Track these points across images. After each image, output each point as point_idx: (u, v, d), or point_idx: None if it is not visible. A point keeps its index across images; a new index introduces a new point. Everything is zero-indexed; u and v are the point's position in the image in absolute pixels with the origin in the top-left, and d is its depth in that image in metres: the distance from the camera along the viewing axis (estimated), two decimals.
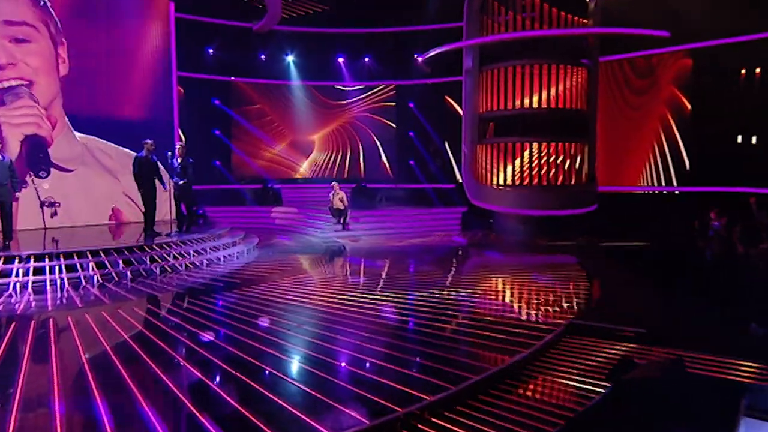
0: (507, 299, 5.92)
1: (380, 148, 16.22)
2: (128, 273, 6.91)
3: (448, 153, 16.15)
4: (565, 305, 5.50)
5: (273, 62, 16.00)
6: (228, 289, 6.14)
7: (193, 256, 7.91)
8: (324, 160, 16.13)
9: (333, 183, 11.98)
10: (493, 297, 5.98)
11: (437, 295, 5.83)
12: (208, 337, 4.42)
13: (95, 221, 10.09)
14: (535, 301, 5.70)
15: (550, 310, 5.36)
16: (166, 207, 9.88)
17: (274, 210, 13.81)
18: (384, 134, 16.30)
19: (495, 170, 12.27)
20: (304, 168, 15.88)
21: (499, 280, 6.80)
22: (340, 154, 16.26)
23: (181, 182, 8.48)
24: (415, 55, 16.06)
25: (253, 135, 15.46)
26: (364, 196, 15.50)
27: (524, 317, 5.10)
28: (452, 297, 5.76)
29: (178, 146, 8.67)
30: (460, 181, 15.13)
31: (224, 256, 8.34)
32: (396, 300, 5.62)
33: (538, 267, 7.64)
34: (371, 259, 8.62)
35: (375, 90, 16.26)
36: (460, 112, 15.52)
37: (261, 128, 15.46)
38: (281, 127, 15.87)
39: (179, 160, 8.64)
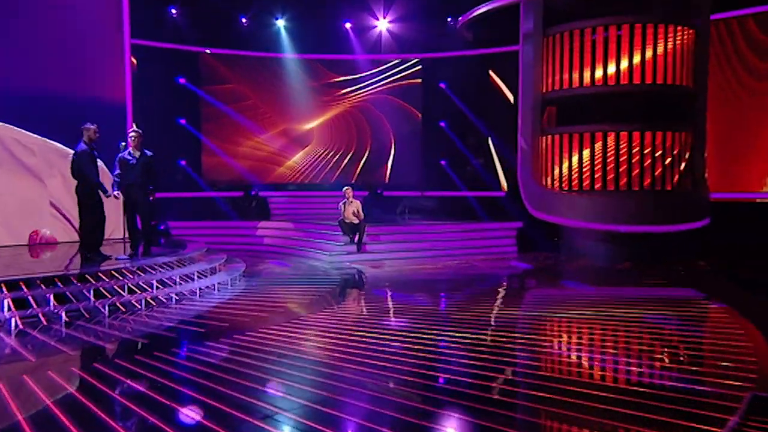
0: (624, 353, 5.40)
1: (400, 144, 16.35)
2: (62, 314, 6.35)
3: (492, 151, 15.95)
4: (723, 364, 4.93)
5: (258, 29, 15.76)
6: (206, 338, 5.69)
7: (158, 288, 7.52)
8: (325, 158, 16.23)
9: (345, 189, 11.83)
10: (598, 349, 5.56)
11: (515, 346, 5.51)
12: (176, 409, 3.94)
13: (11, 241, 9.65)
14: (666, 357, 5.26)
15: (696, 370, 4.85)
16: (113, 221, 9.60)
17: (261, 225, 13.70)
18: (405, 125, 16.42)
19: (565, 171, 12.15)
20: (297, 166, 15.92)
21: (597, 323, 6.43)
22: (347, 151, 16.38)
23: (137, 184, 8.16)
24: (449, 19, 15.76)
25: (230, 126, 15.53)
26: (381, 206, 15.38)
27: (657, 381, 4.59)
28: (537, 349, 5.42)
29: (131, 134, 8.21)
30: (506, 187, 15.00)
31: (201, 289, 7.99)
32: (462, 354, 5.21)
33: (646, 304, 7.28)
34: (405, 292, 8.44)
35: (393, 65, 16.32)
36: (510, 96, 15.20)
37: (242, 117, 15.55)
38: (268, 114, 15.97)
39: (136, 154, 8.21)
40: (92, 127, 8.10)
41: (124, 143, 8.61)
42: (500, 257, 12.25)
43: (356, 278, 9.82)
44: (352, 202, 11.81)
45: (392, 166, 16.36)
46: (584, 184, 12.03)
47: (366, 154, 16.43)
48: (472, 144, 16.02)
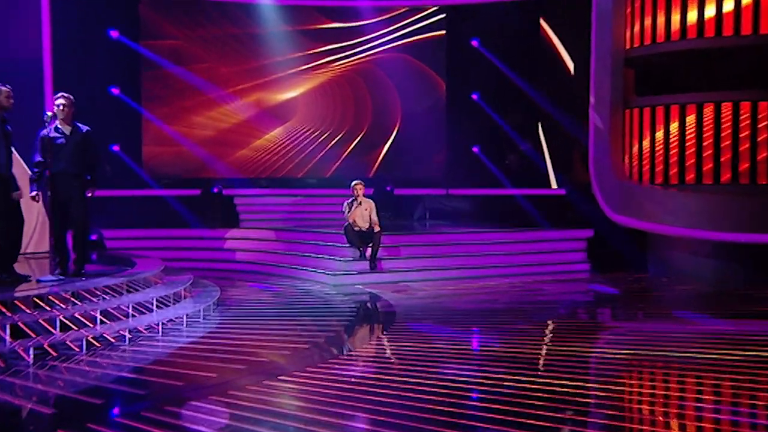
0: None
1: (417, 123, 16.42)
2: None
3: (540, 133, 16.03)
4: None
5: None
6: (175, 402, 5.59)
7: (101, 323, 7.49)
8: (313, 141, 16.40)
9: (355, 183, 11.95)
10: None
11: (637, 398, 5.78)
12: None
13: None
14: None
15: None
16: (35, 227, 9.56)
17: (231, 235, 13.81)
18: (424, 97, 16.53)
19: (657, 157, 12.23)
20: (271, 146, 16.19)
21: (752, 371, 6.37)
22: (341, 131, 16.53)
23: (70, 174, 7.99)
24: None
25: (184, 96, 15.59)
26: (392, 209, 15.23)
27: None
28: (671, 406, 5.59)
29: (58, 102, 7.97)
30: (555, 182, 14.95)
31: (162, 323, 7.95)
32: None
33: None
34: (454, 326, 8.53)
35: (405, 14, 16.33)
36: (568, 60, 15.01)
37: (197, 80, 15.59)
38: (233, 80, 15.91)
39: (66, 130, 8.03)
40: (3, 89, 7.64)
41: (50, 114, 8.08)
42: (569, 277, 12.25)
43: (373, 308, 10.00)
44: (362, 201, 11.81)
45: (404, 153, 16.49)
46: (687, 177, 12.08)
47: (371, 138, 16.60)
48: (517, 124, 15.98)
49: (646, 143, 12.60)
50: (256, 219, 14.96)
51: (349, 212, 11.81)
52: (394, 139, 16.72)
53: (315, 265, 12.04)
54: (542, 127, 15.80)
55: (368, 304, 10.25)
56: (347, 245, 11.89)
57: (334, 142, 16.47)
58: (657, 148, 12.46)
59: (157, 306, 8.33)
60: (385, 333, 8.37)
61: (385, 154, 16.69)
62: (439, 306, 9.88)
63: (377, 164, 16.74)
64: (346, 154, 16.56)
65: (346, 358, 7.24)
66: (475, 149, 16.43)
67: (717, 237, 11.43)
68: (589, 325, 9.32)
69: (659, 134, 12.38)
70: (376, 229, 11.69)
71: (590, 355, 7.35)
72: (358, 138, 16.59)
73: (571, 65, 15.25)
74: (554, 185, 15.65)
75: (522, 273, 12.28)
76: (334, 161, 16.46)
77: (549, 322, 9.08)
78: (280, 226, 14.04)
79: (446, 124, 16.70)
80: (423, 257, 12.29)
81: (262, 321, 8.85)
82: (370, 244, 11.69)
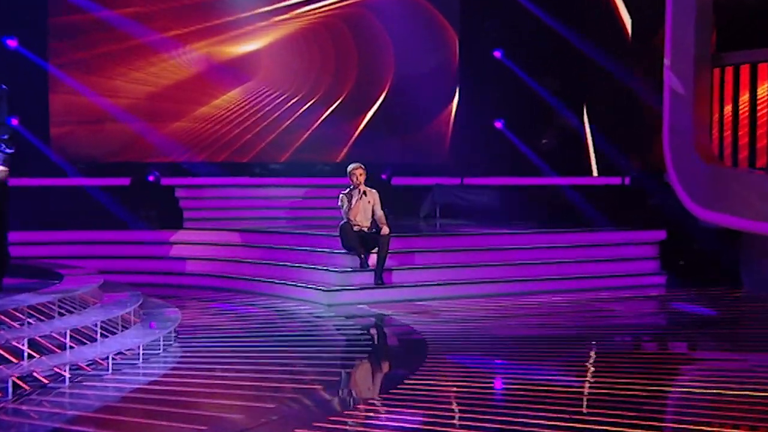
0: None
1: (421, 89, 16.56)
2: None
3: (584, 110, 16.34)
4: None
5: None
6: None
7: (29, 357, 7.44)
8: (281, 109, 16.48)
9: (353, 168, 12.04)
10: None
11: None
12: None
13: None
14: None
15: None
16: None
17: (177, 239, 13.98)
18: (430, 54, 16.76)
19: (741, 128, 12.47)
20: (225, 113, 16.29)
21: None
22: (318, 94, 16.65)
23: None
24: None
25: (107, 51, 15.57)
26: (390, 202, 14.80)
27: None
28: None
29: None
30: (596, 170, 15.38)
31: (112, 358, 7.89)
32: None
33: None
34: (507, 358, 8.63)
35: None
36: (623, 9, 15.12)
37: (127, 31, 15.57)
38: (174, 26, 15.98)
39: None
40: None
41: None
42: (640, 293, 12.47)
43: (390, 335, 10.14)
44: (365, 192, 11.88)
45: (402, 129, 16.86)
46: None
47: (361, 106, 16.74)
48: (556, 89, 16.23)
49: (727, 110, 12.75)
50: (208, 218, 15.11)
51: (348, 206, 11.83)
52: (387, 110, 16.91)
53: (300, 278, 12.07)
54: (591, 94, 16.00)
55: (382, 331, 10.33)
56: (343, 251, 11.88)
57: (305, 108, 16.59)
58: (741, 115, 12.55)
59: (101, 333, 8.24)
60: (418, 372, 8.01)
61: (375, 129, 16.86)
62: (478, 333, 9.95)
63: (354, 141, 16.85)
64: (317, 126, 16.63)
65: (367, 411, 6.89)
66: (498, 124, 16.57)
67: None
68: (681, 358, 9.33)
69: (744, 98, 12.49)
70: (384, 229, 11.65)
71: (695, 395, 7.28)
72: (336, 104, 16.79)
73: (627, 19, 15.46)
74: (594, 172, 16.03)
75: (577, 288, 12.39)
76: (311, 139, 16.65)
77: (627, 352, 9.20)
78: (248, 227, 14.14)
79: (460, 90, 16.85)
80: (444, 267, 12.33)
81: (236, 356, 8.72)
82: (374, 250, 11.65)
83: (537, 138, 16.34)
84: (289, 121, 16.42)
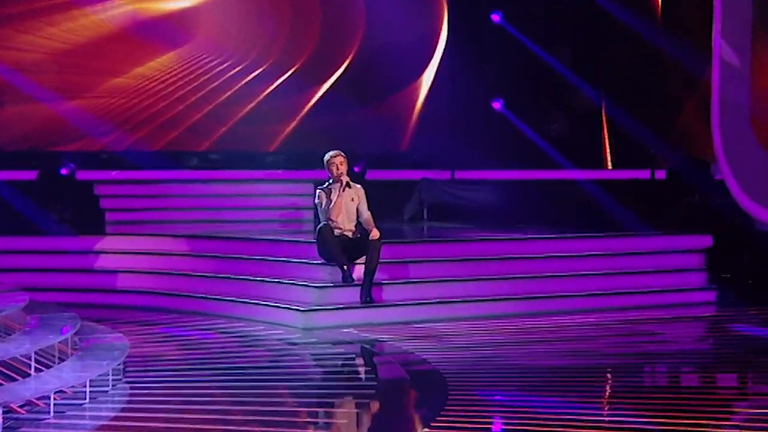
0: None
1: (403, 60, 16.99)
2: None
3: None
4: None
5: None
6: None
7: None
8: (225, 80, 16.70)
9: (333, 155, 12.09)
10: None
11: None
12: None
13: None
14: None
15: None
16: None
17: (103, 247, 14.10)
18: (412, 17, 17.04)
19: None
20: (154, 79, 16.51)
21: None
22: (269, 61, 16.97)
23: None
24: None
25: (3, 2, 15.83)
26: (370, 197, 15.34)
27: None
28: None
29: None
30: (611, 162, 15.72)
31: (51, 397, 7.70)
32: None
33: None
34: (546, 396, 8.60)
35: None
36: None
37: None
38: None
39: None
40: None
41: None
42: (686, 311, 12.58)
43: (395, 367, 9.88)
44: (347, 187, 11.92)
45: (375, 110, 17.04)
46: None
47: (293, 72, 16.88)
48: (570, 61, 16.30)
49: None
50: (136, 220, 15.36)
51: (329, 205, 11.81)
52: (356, 86, 17.04)
53: (268, 296, 12.06)
54: (613, 65, 16.16)
55: (382, 360, 10.27)
56: (322, 261, 11.90)
57: (253, 77, 16.74)
58: None
59: (35, 368, 8.17)
60: (444, 414, 7.91)
61: (338, 107, 16.99)
62: (500, 362, 9.93)
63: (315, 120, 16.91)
64: (267, 99, 16.77)
65: None
66: (496, 104, 16.63)
67: None
68: (737, 393, 9.29)
69: None
70: (374, 233, 11.67)
71: None
72: (290, 73, 16.96)
73: None
74: (610, 164, 16.22)
75: (610, 306, 12.50)
76: (260, 117, 16.72)
77: (684, 389, 9.17)
78: (197, 233, 14.23)
79: (449, 63, 16.90)
80: (446, 280, 12.41)
81: (194, 395, 8.63)
82: (361, 259, 11.66)
83: (546, 121, 16.52)
84: (237, 97, 16.54)
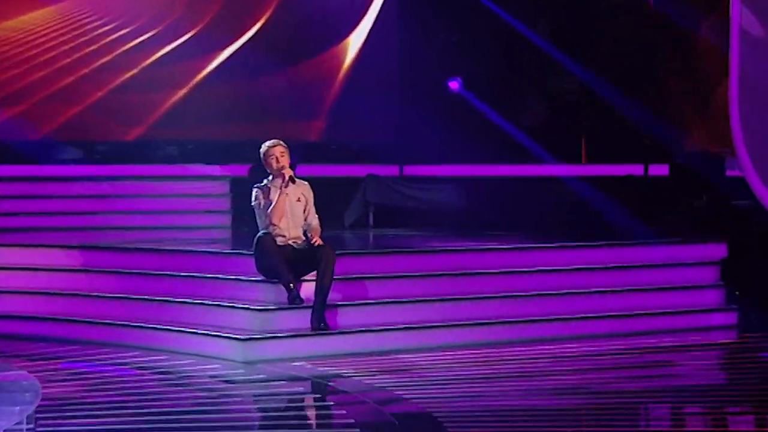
0: None
1: (330, 26, 17.51)
2: None
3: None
4: None
5: None
6: None
7: None
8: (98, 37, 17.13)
9: (272, 146, 12.33)
10: None
11: None
12: None
13: None
14: None
15: None
16: None
17: None
18: None
19: None
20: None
21: None
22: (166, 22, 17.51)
23: None
24: None
25: None
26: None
27: None
28: None
29: None
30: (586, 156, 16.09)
31: None
32: None
33: None
34: None
35: None
36: None
37: None
38: None
39: None
40: None
41: None
42: (702, 339, 12.75)
43: (365, 410, 9.83)
44: (292, 180, 12.08)
45: (299, 86, 17.43)
46: None
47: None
48: (549, 33, 16.58)
49: None
50: (11, 228, 15.55)
51: (268, 206, 11.89)
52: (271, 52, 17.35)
53: (196, 321, 12.06)
54: (604, 33, 16.50)
55: (354, 401, 10.02)
56: (262, 278, 11.99)
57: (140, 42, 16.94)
58: None
59: None
60: None
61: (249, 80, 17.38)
62: (495, 402, 9.93)
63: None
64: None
65: None
66: (453, 84, 16.96)
67: None
68: None
69: None
70: (317, 239, 11.95)
71: None
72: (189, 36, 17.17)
73: None
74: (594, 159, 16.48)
75: (611, 332, 12.76)
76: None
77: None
78: (96, 243, 14.32)
79: (398, 35, 17.21)
80: (414, 301, 12.48)
81: None
82: (311, 275, 11.75)
83: (518, 104, 16.74)
84: (120, 63, 16.78)
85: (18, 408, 8.70)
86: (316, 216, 12.17)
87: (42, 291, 13.35)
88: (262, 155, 12.11)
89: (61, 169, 16.18)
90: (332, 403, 10.04)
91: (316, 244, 11.77)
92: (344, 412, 9.67)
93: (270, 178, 11.98)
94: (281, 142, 12.15)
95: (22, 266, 13.73)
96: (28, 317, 13.03)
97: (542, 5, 16.72)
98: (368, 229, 15.90)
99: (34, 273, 13.67)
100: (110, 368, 11.21)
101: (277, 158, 11.88)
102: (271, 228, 11.73)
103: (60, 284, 13.39)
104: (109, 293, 12.96)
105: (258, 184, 12.06)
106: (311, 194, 12.21)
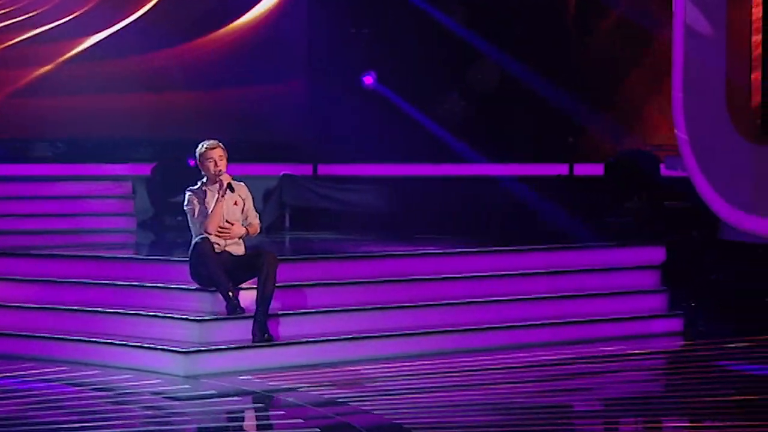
0: None
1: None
2: None
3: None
4: None
5: None
6: None
7: None
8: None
9: (208, 146, 12.25)
10: None
11: None
12: None
13: None
14: None
15: None
16: None
17: None
18: None
19: None
20: None
21: None
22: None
23: None
24: None
25: None
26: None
27: None
28: None
29: None
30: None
31: None
32: None
33: None
34: None
35: None
36: None
37: None
38: None
39: None
40: None
41: None
42: (645, 344, 12.98)
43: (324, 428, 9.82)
44: (230, 187, 12.04)
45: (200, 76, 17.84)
46: None
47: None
48: (464, 21, 16.64)
49: None
50: None
51: (204, 213, 11.88)
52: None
53: (131, 333, 11.98)
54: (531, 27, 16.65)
55: (317, 415, 9.99)
56: (195, 287, 12.02)
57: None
58: None
59: None
60: None
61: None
62: (464, 412, 10.01)
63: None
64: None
65: None
66: (368, 79, 16.98)
67: None
68: None
69: None
70: (257, 230, 12.25)
71: None
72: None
73: None
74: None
75: (555, 340, 12.96)
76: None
77: None
78: (15, 250, 14.29)
79: (306, 21, 17.23)
80: (358, 309, 12.64)
81: None
82: (250, 282, 11.80)
83: (436, 98, 16.80)
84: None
85: None
86: (257, 215, 12.19)
87: None
88: (198, 156, 12.00)
89: None
90: (300, 420, 9.82)
91: (258, 250, 11.90)
92: (317, 429, 9.53)
93: (205, 180, 11.91)
94: (220, 144, 12.01)
95: None
96: None
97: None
98: (285, 232, 16.01)
99: None
100: (40, 385, 11.00)
101: (215, 162, 11.79)
102: (206, 234, 11.70)
103: None
104: (30, 303, 12.83)
105: (191, 187, 11.97)
106: (249, 195, 12.13)
